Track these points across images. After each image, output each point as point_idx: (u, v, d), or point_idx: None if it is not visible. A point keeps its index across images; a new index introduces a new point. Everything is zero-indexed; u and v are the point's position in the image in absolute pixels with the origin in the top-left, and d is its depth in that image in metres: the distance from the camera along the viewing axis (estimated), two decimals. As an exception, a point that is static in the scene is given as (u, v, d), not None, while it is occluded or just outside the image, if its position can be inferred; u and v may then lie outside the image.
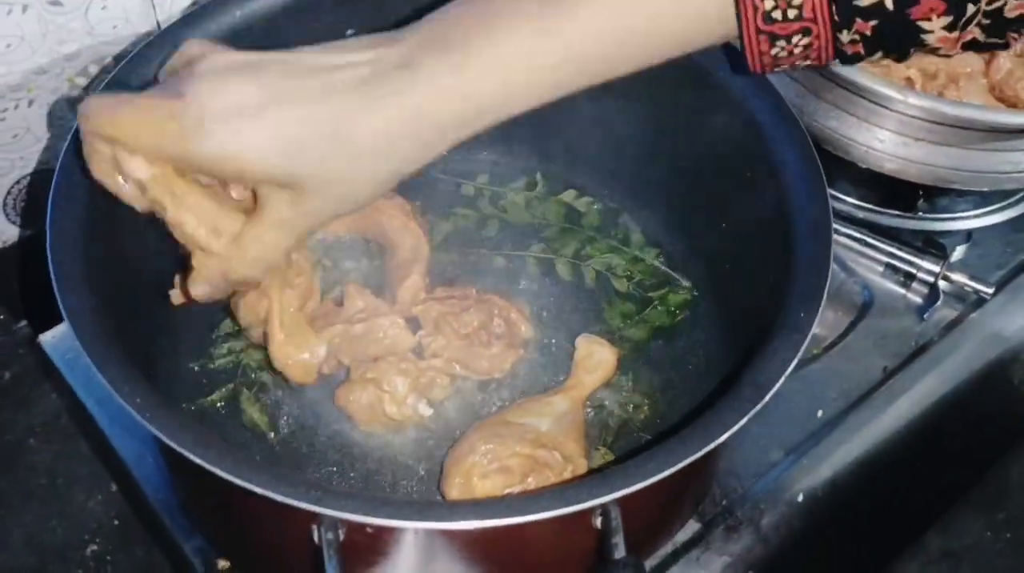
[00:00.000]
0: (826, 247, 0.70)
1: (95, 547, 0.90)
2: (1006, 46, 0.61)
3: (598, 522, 0.61)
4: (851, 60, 0.63)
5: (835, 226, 0.99)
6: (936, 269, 1.01)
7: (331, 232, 0.96)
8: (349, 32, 0.89)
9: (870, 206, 1.07)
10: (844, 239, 1.04)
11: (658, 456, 0.60)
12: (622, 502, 0.60)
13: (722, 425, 0.61)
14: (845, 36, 0.61)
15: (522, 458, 0.76)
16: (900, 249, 1.02)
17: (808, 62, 0.63)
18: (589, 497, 0.58)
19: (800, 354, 0.65)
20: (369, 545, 0.60)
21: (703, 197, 0.90)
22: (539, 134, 1.00)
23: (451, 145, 0.62)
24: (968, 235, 1.06)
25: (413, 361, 0.83)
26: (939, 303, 1.00)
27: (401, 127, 0.60)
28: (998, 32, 0.60)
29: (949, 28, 0.59)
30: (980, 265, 1.03)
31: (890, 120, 0.95)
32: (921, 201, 1.06)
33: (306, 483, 0.58)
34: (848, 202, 1.08)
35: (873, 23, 0.60)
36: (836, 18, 0.60)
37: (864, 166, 0.99)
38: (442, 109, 0.60)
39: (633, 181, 0.98)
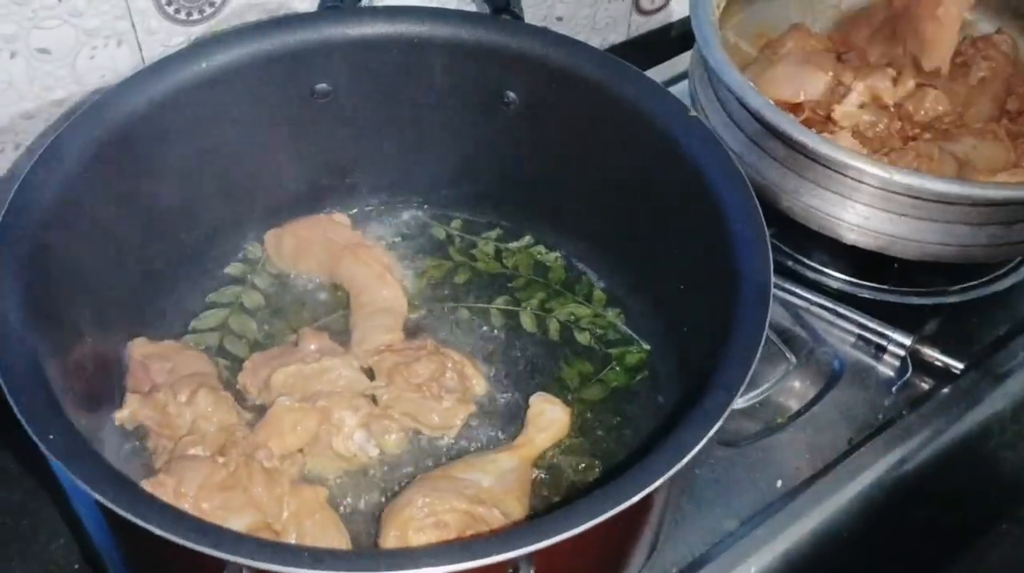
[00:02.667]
0: (763, 311, 0.70)
1: (54, 591, 0.90)
2: None
3: (508, 576, 0.60)
4: None
5: (808, 296, 1.02)
6: (907, 342, 1.00)
7: (303, 275, 0.97)
8: (320, 86, 0.93)
9: (846, 278, 1.07)
10: (817, 310, 1.03)
11: (571, 513, 0.60)
12: (537, 558, 0.59)
13: (636, 486, 0.60)
14: None
15: (459, 514, 0.75)
16: (872, 321, 1.02)
17: None
18: (497, 551, 0.57)
19: (725, 415, 0.64)
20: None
21: (663, 257, 0.90)
22: (514, 196, 1.02)
23: None
24: (943, 310, 1.05)
25: (367, 401, 0.84)
26: (908, 376, 0.99)
27: None
28: None
29: None
30: (953, 340, 1.02)
31: (874, 197, 0.95)
32: (896, 274, 1.05)
33: (211, 529, 0.58)
34: (824, 273, 1.07)
35: None
36: None
37: (847, 242, 0.99)
38: None
39: (595, 241, 0.99)
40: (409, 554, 0.59)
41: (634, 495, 0.60)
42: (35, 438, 0.61)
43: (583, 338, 0.95)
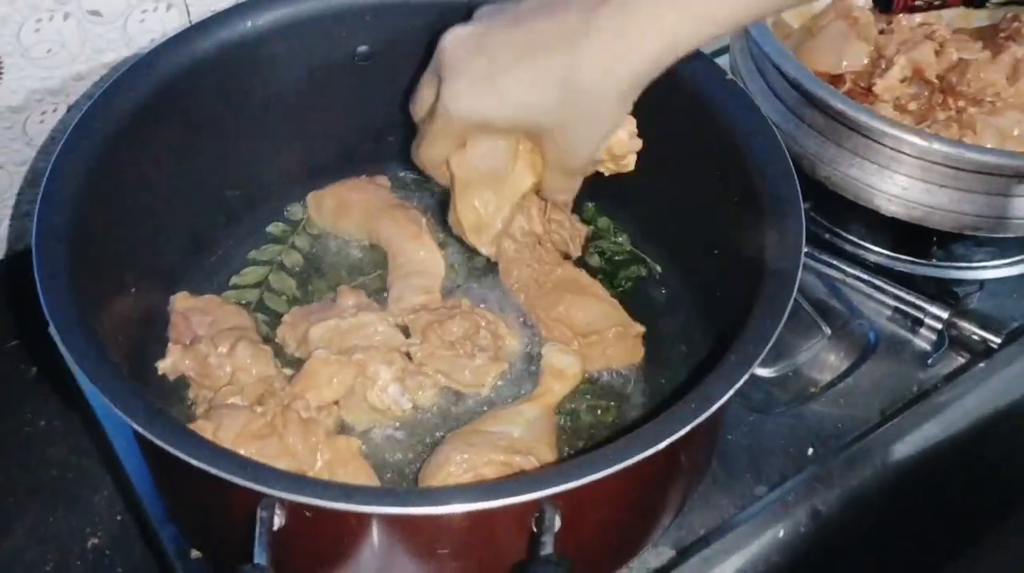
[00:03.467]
0: (794, 268, 0.70)
1: (95, 541, 0.92)
2: None
3: (534, 520, 0.61)
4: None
5: (844, 268, 1.01)
6: (944, 315, 1.00)
7: (342, 235, 0.99)
8: (361, 48, 0.94)
9: (883, 251, 1.06)
10: (853, 282, 1.03)
11: (596, 458, 0.60)
12: (563, 503, 0.60)
13: (659, 434, 0.61)
14: None
15: (497, 465, 0.77)
16: (909, 293, 1.01)
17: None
18: (521, 491, 0.58)
19: (754, 366, 0.65)
20: (305, 531, 0.61)
21: (695, 222, 0.91)
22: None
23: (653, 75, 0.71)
24: (981, 285, 1.04)
25: (401, 356, 0.85)
26: (944, 350, 0.98)
27: (613, 64, 0.70)
28: None
29: None
30: (991, 316, 1.01)
31: (912, 167, 0.94)
32: (935, 248, 1.04)
33: (247, 462, 0.59)
34: (861, 245, 1.07)
35: None
36: None
37: (886, 214, 0.98)
38: (638, 48, 0.69)
39: (628, 206, 1.01)
40: (434, 493, 0.60)
41: (657, 443, 0.61)
42: (79, 370, 0.63)
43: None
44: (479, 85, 0.73)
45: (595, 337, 0.89)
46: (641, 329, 0.91)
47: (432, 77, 0.78)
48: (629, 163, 0.81)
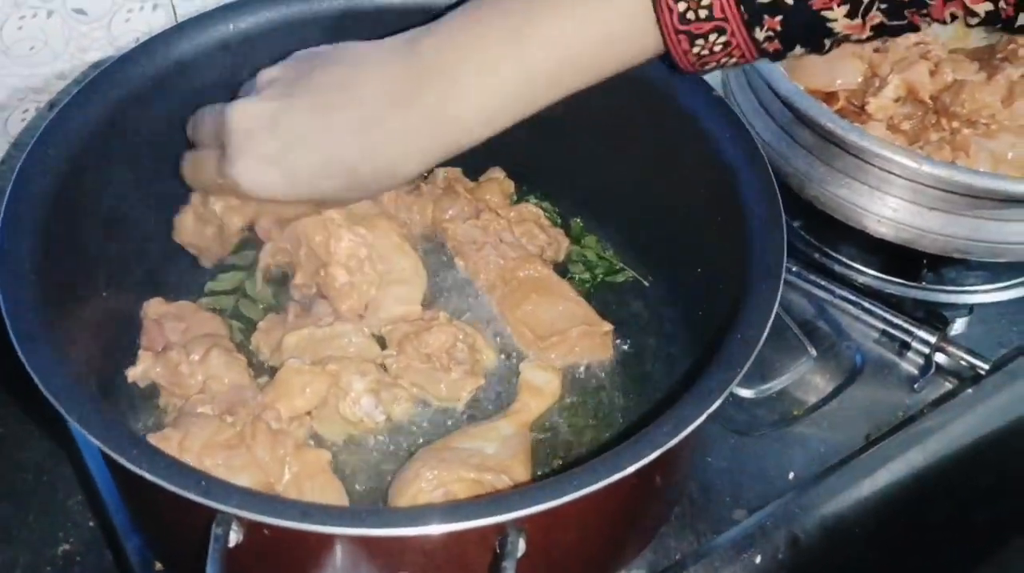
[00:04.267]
0: (773, 288, 0.69)
1: (67, 546, 0.91)
2: (915, 28, 0.64)
3: (497, 544, 0.59)
4: (775, 57, 0.68)
5: (832, 289, 1.00)
6: (932, 340, 0.98)
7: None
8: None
9: (872, 273, 1.05)
10: (841, 303, 1.02)
11: (563, 482, 0.59)
12: (529, 527, 0.59)
13: (629, 458, 0.59)
14: (760, 34, 0.65)
15: (468, 483, 0.75)
16: (897, 316, 1.00)
17: (734, 60, 0.68)
18: (483, 515, 0.57)
19: (728, 391, 0.63)
20: (263, 549, 0.60)
21: (680, 237, 0.90)
22: (531, 173, 1.02)
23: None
24: (970, 310, 1.03)
25: (376, 368, 0.84)
26: (931, 374, 0.97)
27: (395, 164, 0.75)
28: (898, 15, 0.63)
29: (851, 15, 0.63)
30: (980, 341, 1.00)
31: (903, 189, 0.93)
32: (925, 271, 1.03)
33: (202, 477, 0.58)
34: (850, 266, 1.06)
35: (780, 18, 0.64)
36: (745, 16, 0.64)
37: (875, 235, 0.97)
38: (423, 147, 0.74)
39: (612, 221, 1.00)
40: (394, 514, 0.58)
41: (626, 467, 0.59)
42: (39, 384, 0.61)
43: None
44: (270, 166, 0.75)
45: (556, 338, 0.88)
46: (609, 327, 0.90)
47: (213, 144, 0.78)
48: None
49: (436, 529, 0.57)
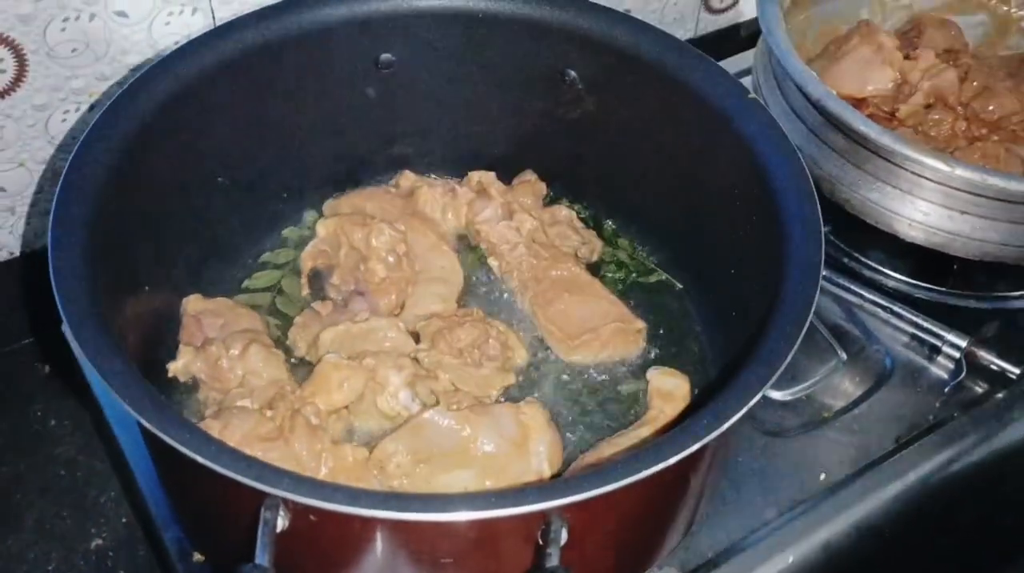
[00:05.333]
0: (811, 290, 0.69)
1: (100, 541, 0.92)
2: None
3: (540, 532, 0.60)
4: None
5: (862, 293, 1.00)
6: (963, 344, 0.98)
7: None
8: (384, 56, 0.94)
9: (902, 277, 1.05)
10: (871, 307, 1.02)
11: (604, 472, 0.60)
12: (571, 516, 0.60)
13: (672, 450, 0.60)
14: None
15: None
16: (927, 320, 1.00)
17: None
18: (528, 502, 0.58)
19: (767, 387, 0.64)
20: (308, 535, 0.61)
21: (715, 238, 0.91)
22: (568, 173, 1.03)
23: None
24: (1001, 314, 1.03)
25: (412, 362, 0.85)
26: (962, 378, 0.97)
27: None
28: None
29: None
30: (1011, 345, 1.00)
31: (935, 193, 0.93)
32: (955, 275, 1.03)
33: (253, 461, 0.59)
34: (879, 271, 1.06)
35: None
36: None
37: (906, 239, 0.97)
38: None
39: (649, 221, 1.01)
40: (441, 499, 0.59)
41: (667, 458, 0.60)
42: (90, 365, 0.62)
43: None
44: None
45: (588, 335, 0.89)
46: (641, 325, 0.91)
47: None
48: None
49: (481, 515, 0.58)
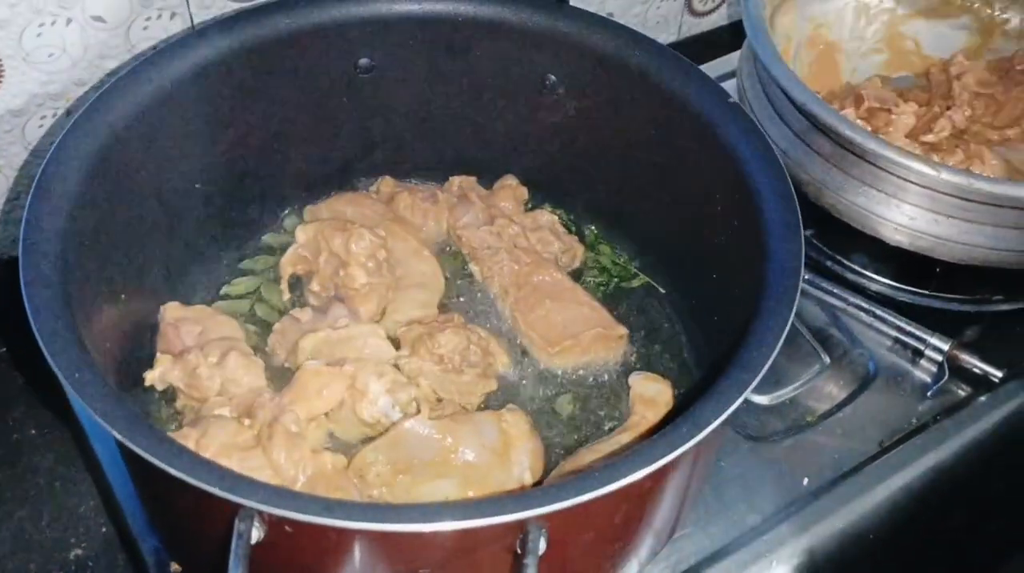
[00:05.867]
0: (792, 291, 0.69)
1: (79, 551, 0.91)
2: None
3: (519, 542, 0.59)
4: None
5: (846, 297, 1.00)
6: (945, 347, 0.98)
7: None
8: (363, 61, 0.94)
9: (886, 281, 1.05)
10: (854, 311, 1.02)
11: (583, 480, 0.59)
12: (548, 523, 0.59)
13: (651, 457, 0.60)
14: None
15: None
16: (910, 324, 1.00)
17: None
18: (505, 511, 0.57)
19: (746, 393, 0.63)
20: (284, 546, 0.60)
21: (696, 243, 0.90)
22: (547, 178, 1.02)
23: None
24: (984, 318, 1.03)
25: (392, 369, 0.84)
26: (944, 382, 0.97)
27: None
28: None
29: None
30: (993, 349, 1.00)
31: (920, 197, 0.93)
32: (938, 279, 1.03)
33: (226, 473, 0.58)
34: (863, 274, 1.06)
35: None
36: None
37: (892, 243, 0.97)
38: None
39: (629, 226, 1.00)
40: (418, 509, 0.58)
41: (646, 466, 0.60)
42: (61, 377, 0.62)
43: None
44: None
45: (570, 341, 0.89)
46: (623, 331, 0.91)
47: None
48: None
49: (459, 525, 0.57)
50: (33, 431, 0.98)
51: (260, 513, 0.58)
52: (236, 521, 0.58)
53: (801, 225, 0.75)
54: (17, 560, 0.90)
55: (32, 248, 0.69)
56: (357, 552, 0.62)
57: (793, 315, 0.68)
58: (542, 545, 0.59)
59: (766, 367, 0.65)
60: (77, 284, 0.72)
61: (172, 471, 0.57)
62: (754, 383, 0.64)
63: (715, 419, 0.63)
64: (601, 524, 0.67)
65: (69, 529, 0.92)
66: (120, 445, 0.60)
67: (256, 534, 0.59)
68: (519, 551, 0.59)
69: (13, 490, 0.94)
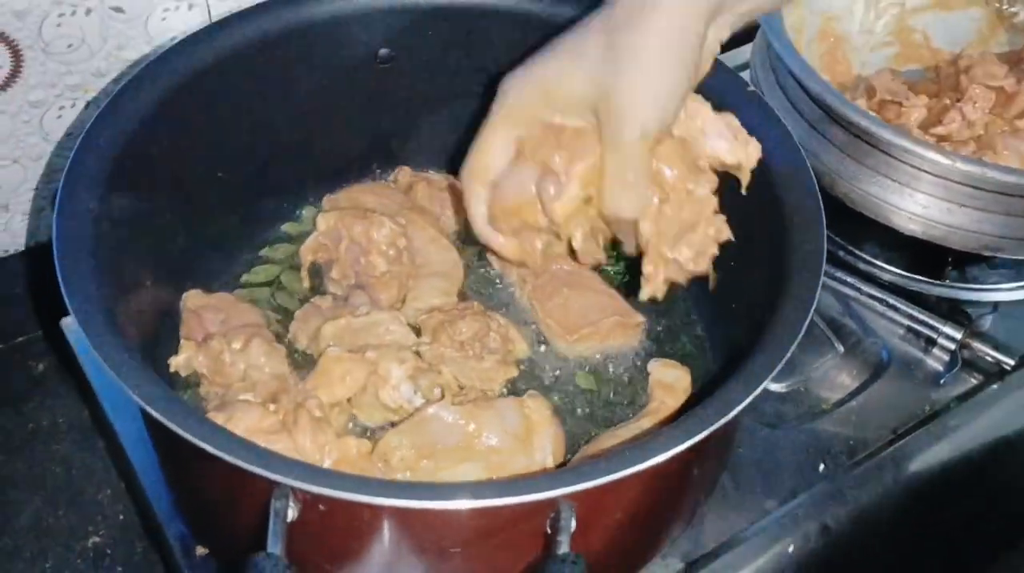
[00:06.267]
0: (815, 277, 0.70)
1: (97, 539, 0.92)
2: None
3: (549, 521, 0.60)
4: None
5: (859, 286, 1.01)
6: (958, 336, 0.99)
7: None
8: (383, 51, 0.94)
9: (897, 270, 1.06)
10: (867, 300, 1.03)
11: (614, 460, 0.60)
12: (579, 504, 0.60)
13: (680, 437, 0.60)
14: None
15: None
16: (922, 313, 1.01)
17: None
18: (537, 489, 0.58)
19: (772, 375, 0.64)
20: (318, 525, 0.61)
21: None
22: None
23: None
24: (995, 307, 1.04)
25: (413, 355, 0.85)
26: (957, 370, 0.98)
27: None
28: None
29: None
30: (1005, 338, 1.01)
31: (933, 186, 0.94)
32: (950, 268, 1.04)
33: (263, 451, 0.59)
34: (875, 264, 1.07)
35: None
36: None
37: (905, 233, 0.98)
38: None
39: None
40: (449, 487, 0.59)
41: (675, 446, 0.60)
42: (98, 357, 0.62)
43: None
44: (528, 66, 0.74)
45: (588, 329, 0.90)
46: (641, 318, 0.92)
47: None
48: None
49: (491, 502, 0.58)
50: (48, 420, 0.99)
51: (295, 491, 0.59)
52: (272, 499, 0.58)
53: (823, 212, 0.76)
54: (35, 548, 0.90)
55: (66, 232, 0.70)
56: (388, 530, 0.62)
57: (817, 299, 0.69)
58: (572, 524, 0.60)
59: (790, 352, 0.66)
60: (107, 269, 0.73)
61: (211, 449, 0.58)
62: (779, 367, 0.65)
63: (742, 401, 0.64)
64: (628, 505, 0.68)
65: (87, 517, 0.92)
66: (154, 425, 0.61)
67: (291, 513, 0.59)
68: (549, 530, 0.60)
69: (29, 479, 0.95)
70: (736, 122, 0.77)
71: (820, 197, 0.76)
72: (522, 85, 0.74)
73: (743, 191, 0.77)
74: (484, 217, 0.79)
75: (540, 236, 0.79)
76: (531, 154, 0.75)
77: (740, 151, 0.77)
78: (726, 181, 0.79)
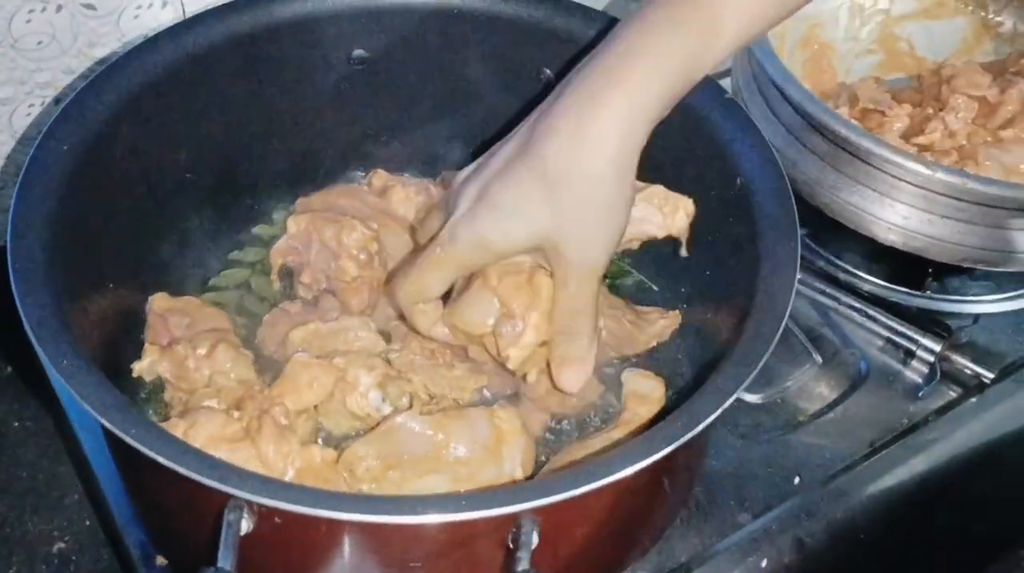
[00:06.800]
0: (787, 288, 0.69)
1: (62, 545, 0.90)
2: None
3: (511, 535, 0.59)
4: None
5: (838, 297, 1.00)
6: (937, 348, 0.98)
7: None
8: (357, 52, 0.93)
9: (877, 281, 1.05)
10: (846, 310, 1.02)
11: (579, 473, 0.59)
12: (541, 517, 0.59)
13: (646, 451, 0.59)
14: None
15: None
16: (902, 324, 1.00)
17: None
18: (499, 504, 0.57)
19: (742, 387, 0.63)
20: (273, 539, 0.60)
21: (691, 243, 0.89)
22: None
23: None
24: (975, 319, 1.03)
25: (383, 362, 0.84)
26: (936, 383, 0.97)
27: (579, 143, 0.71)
28: None
29: None
30: (985, 350, 1.00)
31: (914, 196, 0.93)
32: (930, 280, 1.03)
33: (216, 462, 0.57)
34: (855, 275, 1.06)
35: None
36: None
37: (885, 243, 0.97)
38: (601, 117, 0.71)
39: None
40: (410, 501, 0.58)
41: (641, 460, 0.59)
42: (49, 365, 0.61)
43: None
44: (474, 205, 0.75)
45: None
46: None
47: (441, 210, 0.81)
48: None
49: (451, 517, 0.57)
50: (16, 424, 0.97)
51: (250, 504, 0.57)
52: (226, 512, 0.57)
53: (797, 224, 0.75)
54: (-1, 553, 0.89)
55: (21, 235, 0.68)
56: (347, 545, 0.61)
57: (789, 310, 0.68)
58: (535, 539, 0.59)
59: (761, 363, 0.65)
60: (66, 272, 0.71)
61: (162, 460, 0.56)
62: (749, 379, 0.64)
63: (710, 414, 0.62)
64: (593, 519, 0.67)
65: (52, 523, 0.91)
66: (108, 434, 0.60)
67: (245, 525, 0.58)
68: (511, 545, 0.59)
69: (-6, 484, 0.93)
70: (662, 192, 0.80)
71: (795, 207, 0.75)
72: (469, 235, 0.75)
73: (684, 252, 0.82)
74: (432, 323, 0.83)
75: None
76: (497, 281, 0.77)
77: (670, 222, 0.81)
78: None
